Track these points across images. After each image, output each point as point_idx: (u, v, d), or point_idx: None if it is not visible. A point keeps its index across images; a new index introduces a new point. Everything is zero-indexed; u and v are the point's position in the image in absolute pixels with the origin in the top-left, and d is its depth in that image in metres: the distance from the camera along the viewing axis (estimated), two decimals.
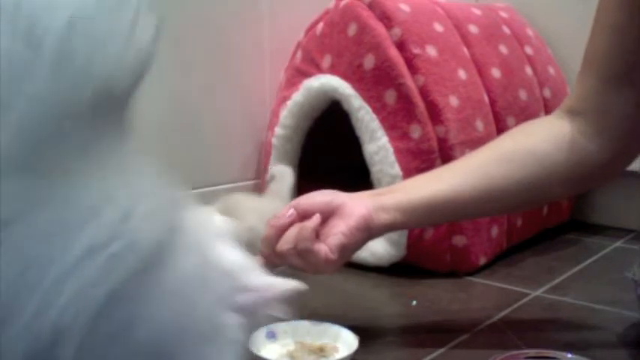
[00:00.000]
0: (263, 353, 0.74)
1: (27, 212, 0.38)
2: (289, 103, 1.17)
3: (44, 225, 0.39)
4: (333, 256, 0.74)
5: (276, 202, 0.90)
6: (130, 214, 0.42)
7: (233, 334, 0.51)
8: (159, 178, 0.47)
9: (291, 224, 0.76)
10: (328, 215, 0.77)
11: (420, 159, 1.04)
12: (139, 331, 0.43)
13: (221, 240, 0.53)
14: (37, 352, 0.39)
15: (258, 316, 0.54)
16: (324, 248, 0.74)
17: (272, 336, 0.78)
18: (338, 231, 0.75)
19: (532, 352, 0.73)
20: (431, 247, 1.05)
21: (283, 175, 0.96)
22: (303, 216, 0.77)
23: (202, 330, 0.48)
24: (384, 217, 0.77)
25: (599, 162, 0.79)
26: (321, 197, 0.78)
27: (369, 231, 0.77)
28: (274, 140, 1.19)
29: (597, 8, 0.78)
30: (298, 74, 1.19)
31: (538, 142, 0.80)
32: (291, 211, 0.77)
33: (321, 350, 0.76)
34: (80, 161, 0.41)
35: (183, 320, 0.46)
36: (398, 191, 0.81)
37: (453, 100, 1.06)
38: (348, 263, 0.90)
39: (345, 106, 1.09)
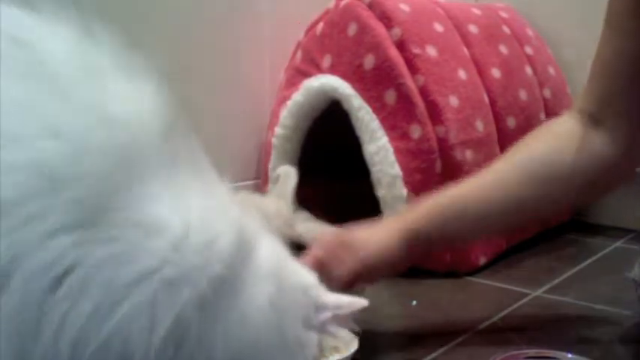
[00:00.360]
0: None
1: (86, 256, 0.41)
2: (289, 103, 1.17)
3: (101, 264, 0.41)
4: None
5: (279, 202, 0.90)
6: (180, 243, 0.43)
7: (313, 351, 0.54)
8: (227, 202, 0.49)
9: None
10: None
11: (420, 159, 1.04)
12: (216, 352, 0.45)
13: (291, 260, 0.55)
14: None
15: (328, 331, 0.56)
16: None
17: None
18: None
19: (532, 351, 0.73)
20: None
21: (288, 175, 0.96)
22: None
23: (287, 350, 0.51)
24: (419, 245, 0.79)
25: (619, 166, 0.79)
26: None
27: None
28: (274, 140, 1.19)
29: (607, 12, 0.77)
30: (298, 74, 1.19)
31: (565, 153, 0.79)
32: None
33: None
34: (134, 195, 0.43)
35: (261, 344, 0.48)
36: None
37: (453, 100, 1.06)
38: None
39: (345, 106, 1.09)
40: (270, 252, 0.51)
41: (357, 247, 0.76)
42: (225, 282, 0.45)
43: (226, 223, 0.47)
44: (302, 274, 0.55)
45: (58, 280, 0.40)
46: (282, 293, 0.50)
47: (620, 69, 0.77)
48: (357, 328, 0.61)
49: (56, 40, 0.45)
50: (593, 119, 0.79)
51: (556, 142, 0.81)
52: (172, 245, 0.43)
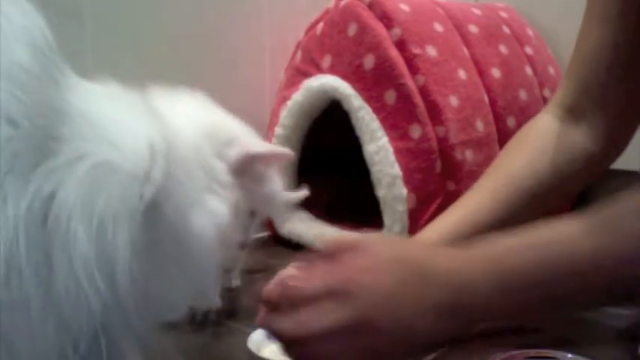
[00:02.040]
0: (263, 353, 0.74)
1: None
2: (289, 103, 1.17)
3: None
4: None
5: None
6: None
7: (223, 178, 0.60)
8: None
9: None
10: None
11: (420, 159, 1.04)
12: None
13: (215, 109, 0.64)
14: None
15: (248, 172, 0.62)
16: None
17: (272, 336, 0.78)
18: None
19: (532, 351, 0.73)
20: None
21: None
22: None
23: (191, 171, 0.56)
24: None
25: (598, 161, 0.79)
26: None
27: None
28: (274, 140, 1.19)
29: (588, 1, 0.77)
30: (298, 74, 1.19)
31: (552, 158, 0.77)
32: None
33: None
34: None
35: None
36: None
37: (453, 100, 1.06)
38: None
39: (345, 106, 1.09)
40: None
41: None
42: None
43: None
44: (223, 119, 0.64)
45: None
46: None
47: (599, 57, 0.76)
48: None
49: None
50: (571, 112, 0.79)
51: (540, 148, 0.79)
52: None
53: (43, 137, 0.46)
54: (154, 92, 0.59)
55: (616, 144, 0.80)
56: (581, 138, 0.78)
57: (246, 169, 0.63)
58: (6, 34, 0.45)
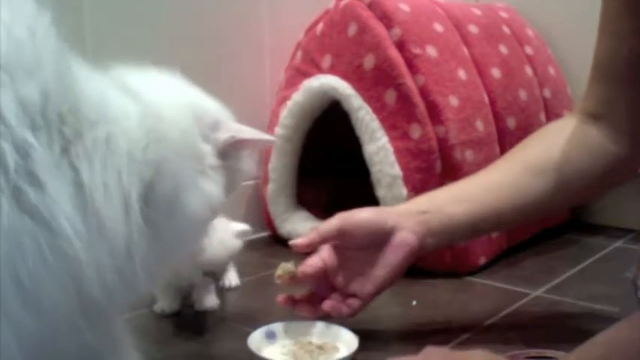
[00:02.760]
0: (263, 353, 0.74)
1: None
2: (289, 103, 1.17)
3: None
4: (360, 305, 0.78)
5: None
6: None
7: (212, 162, 0.62)
8: None
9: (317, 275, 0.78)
10: (379, 242, 0.77)
11: (420, 159, 1.04)
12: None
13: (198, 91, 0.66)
14: None
15: (234, 156, 0.64)
16: (352, 304, 0.78)
17: (272, 336, 0.78)
18: (379, 275, 0.77)
19: (532, 351, 0.73)
20: None
21: None
22: (350, 240, 0.78)
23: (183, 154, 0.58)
24: (430, 242, 0.78)
25: (623, 163, 0.79)
26: (368, 222, 0.77)
27: (413, 260, 0.78)
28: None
29: (602, 13, 0.78)
30: (298, 74, 1.19)
31: (567, 150, 0.79)
32: (319, 262, 0.79)
33: (321, 350, 0.76)
34: None
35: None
36: (438, 209, 0.79)
37: (453, 100, 1.06)
38: None
39: (345, 106, 1.09)
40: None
41: None
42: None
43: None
44: (206, 101, 0.66)
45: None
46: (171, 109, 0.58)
47: (614, 71, 0.77)
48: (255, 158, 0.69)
49: None
50: (595, 118, 0.79)
51: (558, 140, 0.81)
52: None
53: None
54: (128, 71, 0.60)
55: (637, 148, 0.80)
56: (599, 137, 0.79)
57: (232, 152, 0.64)
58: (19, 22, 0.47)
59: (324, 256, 0.79)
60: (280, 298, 0.80)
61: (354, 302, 0.78)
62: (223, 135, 0.64)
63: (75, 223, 0.47)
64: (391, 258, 0.76)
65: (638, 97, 0.77)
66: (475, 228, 0.81)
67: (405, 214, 0.78)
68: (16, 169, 0.44)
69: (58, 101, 0.48)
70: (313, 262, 0.79)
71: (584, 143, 0.79)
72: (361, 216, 0.78)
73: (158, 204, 0.54)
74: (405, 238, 0.76)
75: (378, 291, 0.78)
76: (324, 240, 0.78)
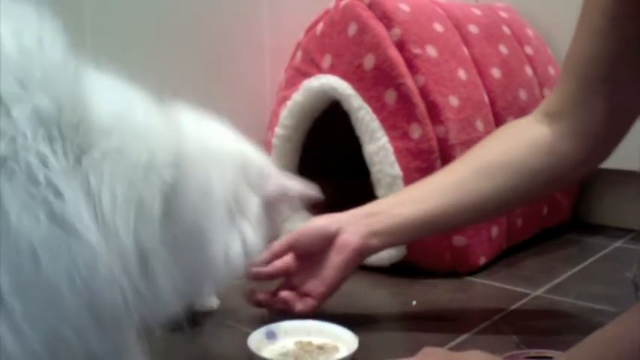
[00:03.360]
0: (263, 353, 0.74)
1: None
2: (289, 103, 1.17)
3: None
4: (315, 304, 0.83)
5: None
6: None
7: (255, 212, 0.63)
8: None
9: (272, 275, 0.85)
10: (325, 246, 0.83)
11: (420, 159, 1.04)
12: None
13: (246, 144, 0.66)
14: None
15: (278, 208, 0.67)
16: (307, 303, 0.83)
17: (272, 336, 0.78)
18: (328, 275, 0.82)
19: (532, 352, 0.73)
20: (431, 247, 1.05)
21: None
22: (302, 247, 0.85)
23: (227, 205, 0.60)
24: (375, 243, 0.82)
25: (575, 162, 0.81)
26: (315, 229, 0.84)
27: (360, 260, 0.83)
28: (274, 140, 1.19)
29: (581, 12, 0.78)
30: (298, 74, 1.19)
31: (516, 151, 0.82)
32: (279, 264, 0.85)
33: (321, 350, 0.76)
34: None
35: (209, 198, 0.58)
36: (385, 212, 0.84)
37: (453, 100, 1.06)
38: None
39: (345, 106, 1.09)
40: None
41: None
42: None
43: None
44: (254, 154, 0.66)
45: None
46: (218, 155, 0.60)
47: (582, 67, 0.78)
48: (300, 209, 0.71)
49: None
50: (552, 118, 0.81)
51: (510, 140, 0.84)
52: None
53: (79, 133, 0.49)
54: (179, 107, 0.62)
55: (600, 149, 0.81)
56: (550, 137, 0.80)
57: (276, 203, 0.67)
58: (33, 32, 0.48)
59: (286, 259, 0.86)
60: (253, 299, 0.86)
61: (309, 301, 0.83)
62: (271, 187, 0.66)
63: (92, 231, 0.47)
64: (335, 259, 0.82)
65: (602, 99, 0.77)
66: (421, 228, 0.84)
67: (352, 218, 0.84)
68: (44, 181, 0.45)
69: (71, 112, 0.48)
70: (276, 264, 0.86)
71: (535, 144, 0.81)
72: (310, 225, 0.86)
73: (180, 230, 0.54)
74: (347, 239, 0.82)
75: (330, 290, 0.83)
76: (277, 257, 0.85)
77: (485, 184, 0.81)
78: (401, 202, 0.85)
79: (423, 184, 0.88)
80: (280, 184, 0.67)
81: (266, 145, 1.23)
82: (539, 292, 0.97)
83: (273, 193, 0.66)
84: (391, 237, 0.83)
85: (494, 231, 1.10)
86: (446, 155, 1.04)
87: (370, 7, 1.09)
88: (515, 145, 0.82)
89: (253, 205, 0.64)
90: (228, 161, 0.62)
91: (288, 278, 0.87)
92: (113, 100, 0.53)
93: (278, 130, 1.18)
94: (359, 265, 0.84)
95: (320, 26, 1.17)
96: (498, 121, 1.14)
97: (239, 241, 0.61)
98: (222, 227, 0.59)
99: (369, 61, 1.07)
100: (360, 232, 0.82)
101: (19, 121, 0.45)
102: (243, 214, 0.62)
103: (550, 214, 1.26)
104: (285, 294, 0.84)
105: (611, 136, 0.81)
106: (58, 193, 0.46)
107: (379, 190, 1.06)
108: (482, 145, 0.87)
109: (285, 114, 1.17)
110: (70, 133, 0.48)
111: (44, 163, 0.46)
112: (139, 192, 0.51)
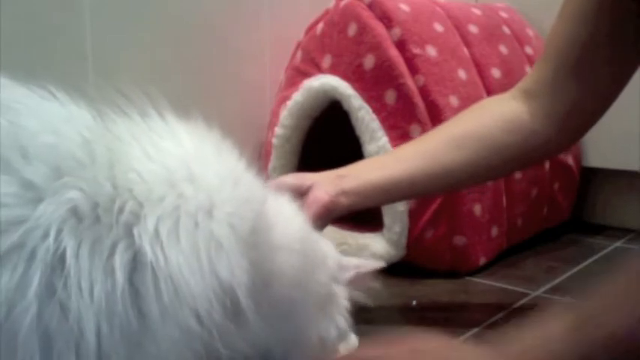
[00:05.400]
0: None
1: None
2: (289, 103, 1.17)
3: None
4: None
5: None
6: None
7: (342, 301, 0.67)
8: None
9: None
10: (297, 200, 0.81)
11: None
12: (275, 288, 0.55)
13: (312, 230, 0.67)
14: None
15: (354, 288, 0.69)
16: None
17: None
18: None
19: None
20: (431, 247, 1.05)
21: None
22: None
23: (320, 296, 0.63)
24: (343, 201, 0.83)
25: (547, 141, 0.82)
26: (288, 185, 0.83)
27: (329, 216, 0.83)
28: (274, 140, 1.19)
29: (562, 3, 0.80)
30: (298, 74, 1.19)
31: (487, 125, 0.83)
32: None
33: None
34: None
35: (304, 287, 0.59)
36: (355, 174, 0.85)
37: (453, 100, 1.06)
38: None
39: (345, 106, 1.09)
40: (295, 220, 0.63)
41: None
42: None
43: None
44: (323, 242, 0.68)
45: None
46: (309, 257, 0.61)
47: (558, 51, 0.80)
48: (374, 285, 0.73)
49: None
50: (528, 96, 0.82)
51: (485, 115, 0.85)
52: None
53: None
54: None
55: (571, 131, 0.84)
56: (524, 115, 0.82)
57: (352, 286, 0.70)
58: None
59: None
60: None
61: None
62: (349, 274, 0.69)
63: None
64: (305, 213, 0.81)
65: (577, 82, 0.79)
66: (388, 191, 0.84)
67: (324, 177, 0.85)
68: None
69: (116, 194, 0.47)
70: None
71: (509, 120, 0.82)
72: (285, 180, 0.86)
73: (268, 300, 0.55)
74: (317, 195, 0.82)
75: None
76: None
77: (454, 155, 0.82)
78: (370, 166, 0.88)
79: (394, 152, 0.90)
80: (355, 269, 0.70)
81: (266, 145, 1.23)
82: (539, 292, 0.97)
83: (351, 280, 0.69)
84: (359, 197, 0.83)
85: (494, 231, 1.10)
86: None
87: (370, 7, 1.09)
88: (489, 119, 0.84)
89: (342, 297, 0.67)
90: (315, 256, 0.64)
91: None
92: (162, 165, 0.53)
93: (278, 130, 1.18)
94: (327, 223, 0.84)
95: (320, 26, 1.17)
96: None
97: (334, 328, 0.65)
98: (317, 313, 0.63)
99: (369, 61, 1.07)
100: (330, 190, 0.83)
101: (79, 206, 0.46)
102: (333, 304, 0.65)
103: (550, 214, 1.26)
104: None
105: (584, 119, 0.83)
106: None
107: None
108: (457, 117, 0.89)
109: (285, 114, 1.17)
110: (115, 212, 0.48)
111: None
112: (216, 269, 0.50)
